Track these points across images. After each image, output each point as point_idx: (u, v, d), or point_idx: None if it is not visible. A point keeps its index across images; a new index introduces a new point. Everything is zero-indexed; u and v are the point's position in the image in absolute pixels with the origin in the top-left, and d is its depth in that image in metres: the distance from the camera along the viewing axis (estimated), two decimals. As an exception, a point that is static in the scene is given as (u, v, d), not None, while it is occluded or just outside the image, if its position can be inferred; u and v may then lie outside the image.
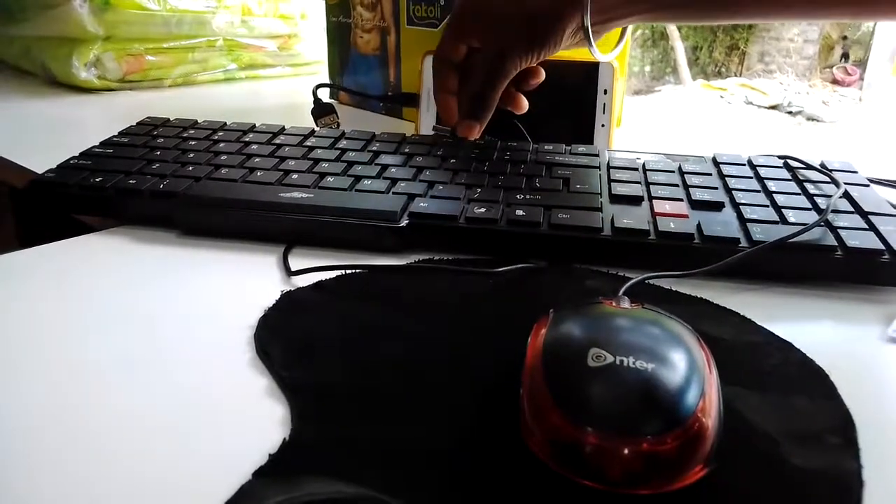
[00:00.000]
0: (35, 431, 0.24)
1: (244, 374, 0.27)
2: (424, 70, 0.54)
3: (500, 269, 0.35)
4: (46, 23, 0.75)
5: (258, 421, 0.25)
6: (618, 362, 0.22)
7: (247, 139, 0.49)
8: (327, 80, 0.73)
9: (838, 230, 0.36)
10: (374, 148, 0.47)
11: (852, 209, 0.39)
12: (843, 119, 0.71)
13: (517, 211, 0.38)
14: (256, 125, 0.52)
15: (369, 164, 0.44)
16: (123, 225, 0.40)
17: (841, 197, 0.40)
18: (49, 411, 0.25)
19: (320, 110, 0.59)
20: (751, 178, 0.43)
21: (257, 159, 0.45)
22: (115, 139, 0.49)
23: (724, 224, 0.37)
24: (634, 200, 0.40)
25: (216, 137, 0.49)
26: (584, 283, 0.35)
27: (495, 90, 0.47)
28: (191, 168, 0.43)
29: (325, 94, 0.72)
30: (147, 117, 0.53)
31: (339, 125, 0.58)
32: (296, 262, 0.36)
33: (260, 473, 0.22)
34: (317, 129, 0.51)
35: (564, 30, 0.45)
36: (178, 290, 0.34)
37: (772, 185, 0.42)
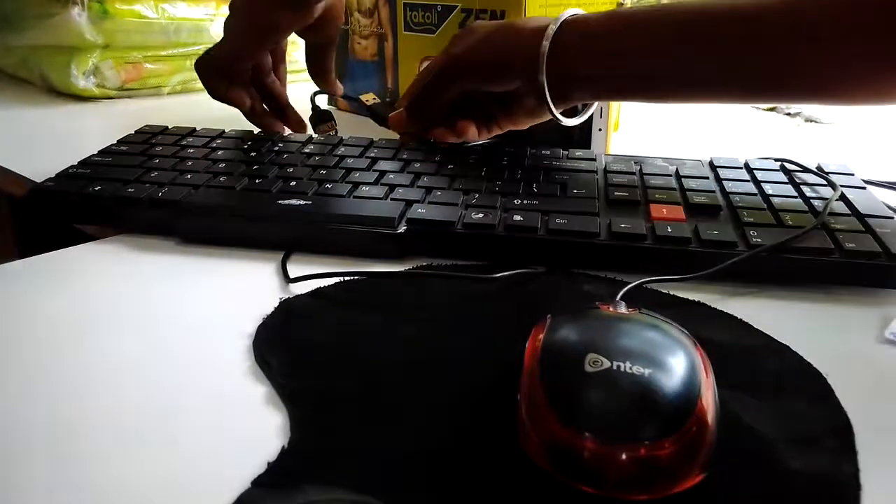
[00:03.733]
0: (33, 439, 0.24)
1: (243, 382, 0.27)
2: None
3: (498, 275, 0.35)
4: (45, 31, 0.75)
5: (257, 429, 0.25)
6: (615, 367, 0.23)
7: (245, 146, 0.49)
8: (325, 87, 0.72)
9: (835, 233, 0.36)
10: (372, 154, 0.47)
11: (849, 212, 0.39)
12: (841, 120, 0.71)
13: (514, 216, 0.38)
14: (255, 132, 0.52)
15: (367, 170, 0.44)
16: (123, 233, 0.40)
17: (837, 199, 0.40)
18: (46, 420, 0.25)
19: (318, 117, 0.59)
20: (748, 181, 0.43)
21: (256, 167, 0.45)
22: (113, 147, 0.49)
23: (721, 228, 0.37)
24: (631, 205, 0.40)
25: (215, 145, 0.49)
26: (582, 287, 0.35)
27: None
28: (189, 176, 0.43)
29: (322, 101, 0.72)
30: (145, 125, 0.53)
31: (336, 132, 0.58)
32: (294, 270, 0.36)
33: (258, 482, 0.22)
34: (314, 136, 0.51)
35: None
36: (177, 297, 0.34)
37: (769, 189, 0.42)
